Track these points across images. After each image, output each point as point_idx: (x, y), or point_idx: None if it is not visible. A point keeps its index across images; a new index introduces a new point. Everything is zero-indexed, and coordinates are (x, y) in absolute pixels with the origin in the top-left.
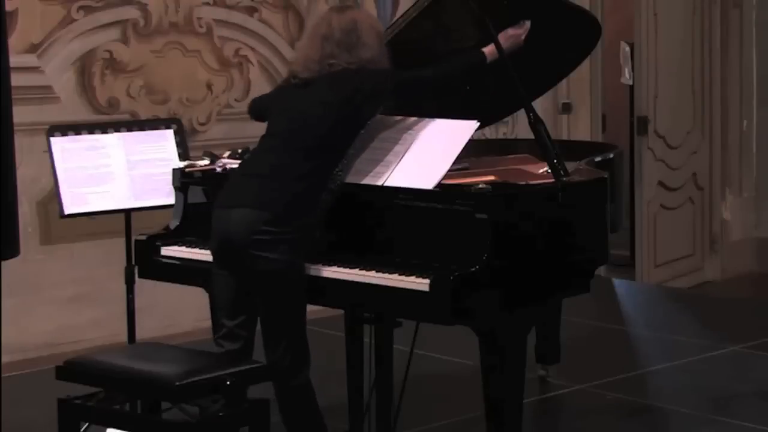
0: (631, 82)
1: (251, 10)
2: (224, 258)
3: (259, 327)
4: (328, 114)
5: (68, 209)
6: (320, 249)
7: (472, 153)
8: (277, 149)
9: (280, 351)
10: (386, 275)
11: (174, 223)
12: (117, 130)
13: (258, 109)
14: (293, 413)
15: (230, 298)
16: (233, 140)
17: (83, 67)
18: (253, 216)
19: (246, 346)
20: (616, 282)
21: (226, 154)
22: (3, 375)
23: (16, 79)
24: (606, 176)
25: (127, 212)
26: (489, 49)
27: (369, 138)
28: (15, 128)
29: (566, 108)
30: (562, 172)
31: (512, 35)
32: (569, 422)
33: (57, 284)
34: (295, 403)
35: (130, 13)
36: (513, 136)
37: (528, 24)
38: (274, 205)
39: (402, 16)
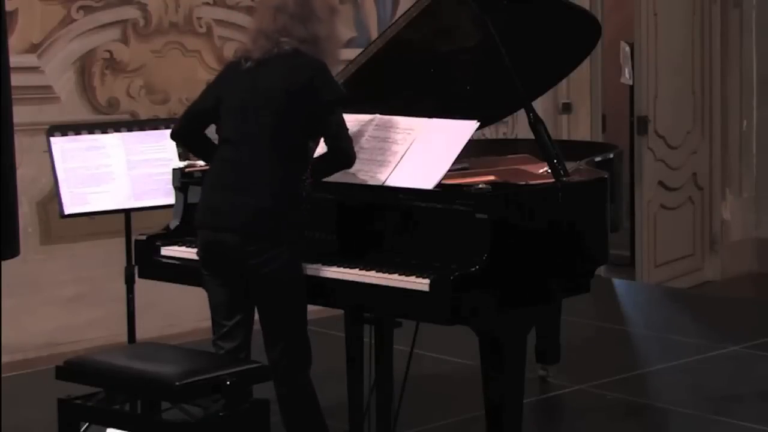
0: (631, 82)
1: (251, 10)
2: (217, 266)
3: (258, 327)
4: (280, 111)
5: (68, 209)
6: (320, 249)
7: (472, 153)
8: (241, 158)
9: (279, 351)
10: (386, 275)
11: (174, 223)
12: (117, 130)
13: (201, 116)
14: (294, 414)
15: (225, 300)
16: None
17: (83, 67)
18: (243, 238)
19: (242, 346)
20: (616, 282)
21: None
22: (3, 375)
23: (16, 79)
24: (606, 176)
25: (127, 212)
26: None
27: (369, 138)
28: (15, 128)
29: (566, 108)
30: (562, 172)
31: None
32: (569, 422)
33: (57, 284)
34: (295, 404)
35: (130, 13)
36: (513, 136)
37: None
38: (257, 224)
39: (402, 15)
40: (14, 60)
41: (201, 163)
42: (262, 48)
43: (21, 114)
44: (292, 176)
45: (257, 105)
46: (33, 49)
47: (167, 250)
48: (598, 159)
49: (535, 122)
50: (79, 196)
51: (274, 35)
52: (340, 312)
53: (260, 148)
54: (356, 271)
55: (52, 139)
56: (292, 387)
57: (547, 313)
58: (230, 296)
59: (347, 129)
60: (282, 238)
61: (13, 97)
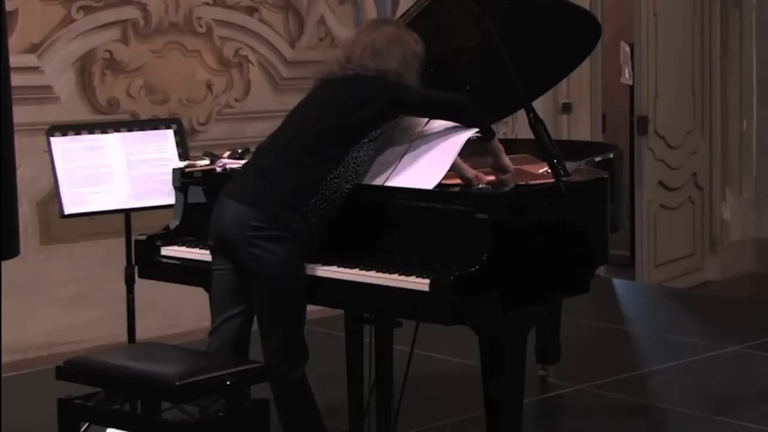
0: (631, 82)
1: (251, 10)
2: (221, 247)
3: (257, 328)
4: (323, 119)
5: (68, 209)
6: (320, 249)
7: (472, 153)
8: (277, 149)
9: (272, 346)
10: (386, 275)
11: (174, 223)
12: (117, 130)
13: None
14: (290, 412)
15: (222, 296)
16: (233, 140)
17: (83, 67)
18: (244, 212)
19: (238, 345)
20: (616, 282)
21: (226, 154)
22: (3, 375)
23: (16, 79)
24: (606, 176)
25: (127, 212)
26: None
27: None
28: (15, 128)
29: (566, 108)
30: (562, 172)
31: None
32: (569, 422)
33: (57, 284)
34: (291, 402)
35: (130, 13)
36: (513, 136)
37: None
38: (262, 204)
39: (402, 16)
40: (14, 60)
41: (201, 163)
42: (329, 70)
43: (21, 114)
44: (317, 180)
45: (304, 113)
46: (33, 49)
47: (167, 250)
48: (598, 159)
49: (535, 122)
50: (79, 196)
51: (342, 61)
52: (340, 312)
53: (293, 150)
54: (356, 271)
55: (52, 139)
56: (285, 384)
57: (547, 313)
58: (224, 292)
59: (427, 97)
60: (283, 230)
61: (13, 97)
